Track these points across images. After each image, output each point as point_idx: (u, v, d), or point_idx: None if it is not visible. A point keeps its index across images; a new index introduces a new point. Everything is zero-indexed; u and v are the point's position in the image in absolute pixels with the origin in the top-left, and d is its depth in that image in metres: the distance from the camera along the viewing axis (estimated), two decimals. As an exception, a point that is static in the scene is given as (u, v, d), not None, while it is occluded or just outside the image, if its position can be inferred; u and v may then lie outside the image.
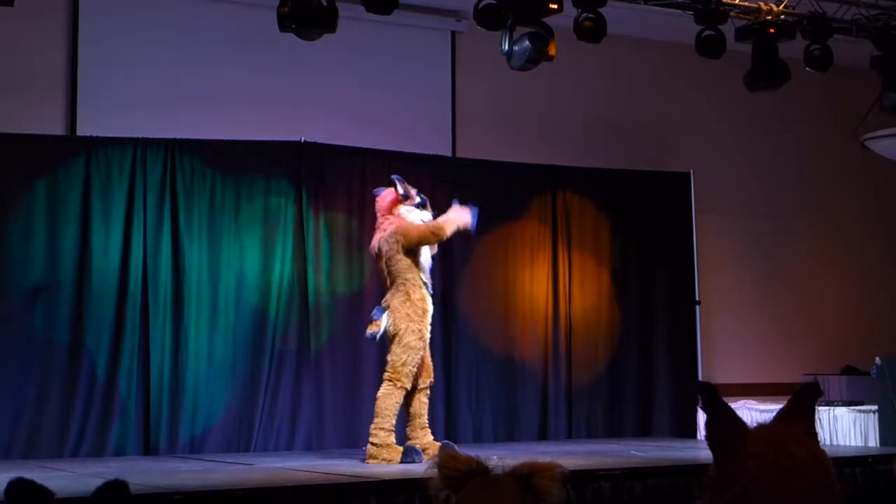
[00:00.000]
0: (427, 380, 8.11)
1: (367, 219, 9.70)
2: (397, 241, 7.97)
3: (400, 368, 7.91)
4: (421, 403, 8.11)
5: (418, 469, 7.35)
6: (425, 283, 8.05)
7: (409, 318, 7.93)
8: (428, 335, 8.04)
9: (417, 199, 8.20)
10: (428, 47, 10.65)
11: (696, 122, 11.64)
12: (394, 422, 7.91)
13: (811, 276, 12.10)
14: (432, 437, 8.13)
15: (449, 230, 8.06)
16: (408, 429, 8.10)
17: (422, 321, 7.97)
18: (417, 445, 7.92)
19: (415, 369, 7.95)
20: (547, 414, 10.32)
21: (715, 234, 11.40)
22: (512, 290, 10.32)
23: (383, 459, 7.78)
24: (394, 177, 8.31)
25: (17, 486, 2.19)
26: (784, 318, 11.80)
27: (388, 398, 7.90)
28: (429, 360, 8.13)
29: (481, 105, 10.66)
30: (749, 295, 11.75)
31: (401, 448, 7.86)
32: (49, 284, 8.71)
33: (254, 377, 9.17)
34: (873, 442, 9.36)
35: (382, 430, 7.86)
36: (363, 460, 7.89)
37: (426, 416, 8.14)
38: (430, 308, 8.08)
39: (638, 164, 10.88)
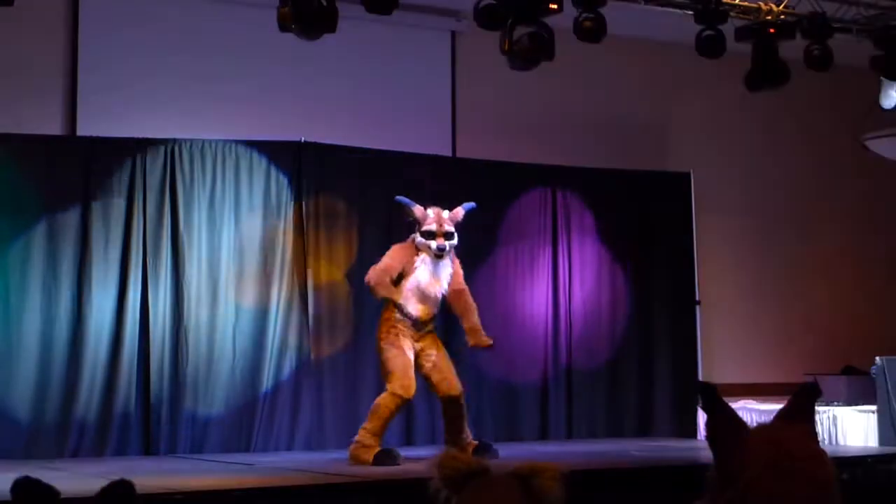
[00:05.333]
0: (443, 393, 8.08)
1: (366, 218, 9.73)
2: None
3: (385, 376, 8.00)
4: (447, 413, 8.14)
5: (418, 469, 7.36)
6: (398, 306, 8.00)
7: (381, 333, 8.04)
8: (408, 349, 7.98)
9: (428, 227, 8.02)
10: (428, 47, 10.64)
11: (696, 122, 11.63)
12: (378, 425, 7.89)
13: (811, 275, 12.09)
14: (469, 438, 8.12)
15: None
16: (446, 435, 8.19)
17: (388, 336, 7.97)
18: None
19: (402, 379, 7.87)
20: (547, 414, 10.32)
21: (715, 234, 11.40)
22: (512, 291, 10.31)
23: (358, 458, 7.78)
24: (400, 199, 8.26)
25: (23, 484, 2.19)
26: (784, 318, 11.79)
27: (379, 401, 7.97)
28: (439, 374, 8.06)
29: (481, 105, 10.65)
30: (749, 295, 11.74)
31: (377, 448, 7.83)
32: (49, 284, 8.71)
33: (254, 377, 9.16)
34: (873, 442, 9.36)
35: (364, 430, 7.90)
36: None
37: (458, 423, 8.13)
38: (410, 332, 8.01)
39: (638, 164, 10.87)
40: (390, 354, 7.97)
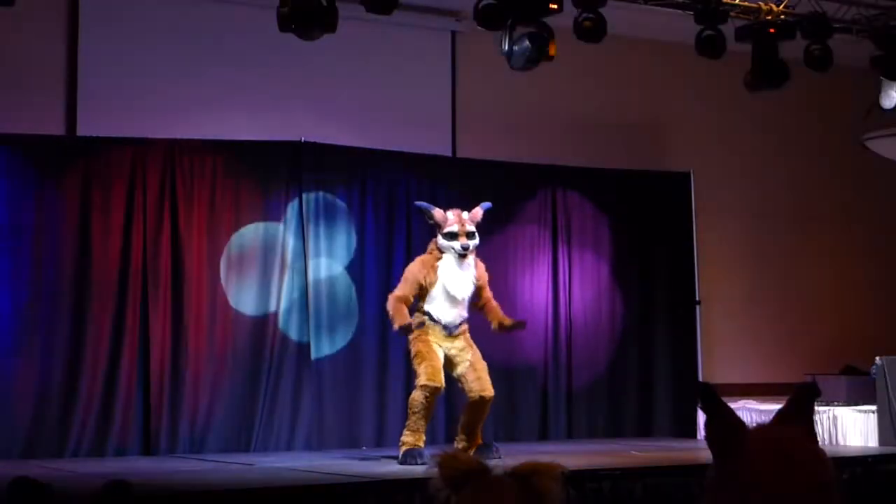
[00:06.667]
0: (476, 393, 8.04)
1: (366, 218, 9.73)
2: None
3: (414, 373, 8.07)
4: (470, 413, 8.12)
5: (418, 469, 7.36)
6: (427, 313, 8.03)
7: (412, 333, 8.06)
8: (432, 343, 7.98)
9: (450, 228, 8.04)
10: (428, 47, 10.64)
11: (696, 122, 11.63)
12: (413, 420, 7.91)
13: (811, 275, 12.09)
14: (478, 441, 8.10)
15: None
16: (459, 435, 8.19)
17: (419, 335, 7.99)
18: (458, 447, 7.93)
19: (427, 369, 7.89)
20: (547, 414, 10.32)
21: (715, 234, 11.40)
22: (512, 290, 10.31)
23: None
24: (419, 204, 8.28)
25: (19, 483, 2.20)
26: (784, 318, 11.79)
27: (411, 396, 8.02)
28: (474, 373, 8.05)
29: (481, 105, 10.65)
30: (749, 295, 11.74)
31: (415, 445, 7.88)
32: (49, 284, 8.71)
33: (254, 377, 9.17)
34: (873, 442, 9.36)
35: (406, 429, 7.96)
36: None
37: (476, 426, 8.12)
38: (440, 335, 8.02)
39: (638, 164, 10.87)
40: (416, 349, 8.00)
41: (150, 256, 8.96)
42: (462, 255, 8.03)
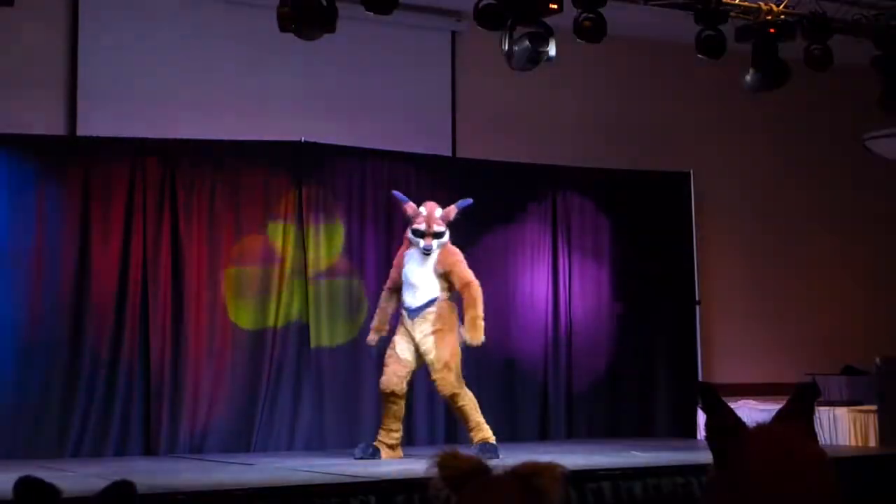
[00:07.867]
0: (441, 393, 8.33)
1: (366, 218, 9.73)
2: None
3: None
4: (454, 410, 8.37)
5: (419, 469, 7.37)
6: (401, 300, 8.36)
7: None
8: (403, 343, 8.24)
9: (418, 226, 8.20)
10: (428, 47, 10.64)
11: (696, 122, 11.63)
12: (383, 421, 8.27)
13: (811, 275, 12.09)
14: (486, 434, 8.21)
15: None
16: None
17: (395, 330, 8.34)
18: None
19: (385, 374, 8.22)
20: (547, 414, 10.32)
21: (715, 233, 11.40)
22: (512, 291, 10.32)
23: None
24: (395, 194, 8.48)
25: (25, 483, 2.19)
26: (784, 318, 11.79)
27: None
28: (431, 370, 8.24)
29: (481, 105, 10.65)
30: (749, 295, 11.74)
31: (386, 442, 8.18)
32: (49, 284, 8.71)
33: (254, 377, 9.17)
34: (873, 442, 9.36)
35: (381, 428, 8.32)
36: None
37: (465, 421, 8.31)
38: (406, 321, 8.26)
39: (638, 164, 10.88)
40: (389, 348, 8.34)
41: (150, 256, 8.96)
42: (425, 254, 8.22)
